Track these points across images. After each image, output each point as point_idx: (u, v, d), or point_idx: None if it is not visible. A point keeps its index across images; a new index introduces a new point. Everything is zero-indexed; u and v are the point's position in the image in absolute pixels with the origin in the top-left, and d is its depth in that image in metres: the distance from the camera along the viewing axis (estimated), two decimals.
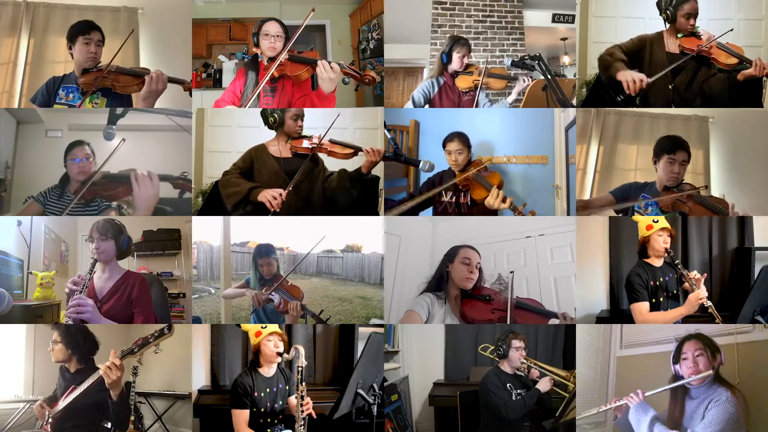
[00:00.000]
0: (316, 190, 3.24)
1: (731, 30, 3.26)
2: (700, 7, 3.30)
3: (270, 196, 3.04)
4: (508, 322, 2.84)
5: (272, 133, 3.32)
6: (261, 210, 3.09)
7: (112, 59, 3.23)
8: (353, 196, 3.21)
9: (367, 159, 3.15)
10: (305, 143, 3.23)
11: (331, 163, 3.32)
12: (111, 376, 2.62)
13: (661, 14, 3.32)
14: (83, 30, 3.27)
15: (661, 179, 3.19)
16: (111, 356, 2.65)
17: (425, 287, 2.99)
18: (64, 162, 3.14)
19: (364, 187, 3.26)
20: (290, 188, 3.09)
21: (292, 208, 3.17)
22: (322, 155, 3.28)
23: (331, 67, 3.18)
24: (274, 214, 3.06)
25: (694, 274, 2.88)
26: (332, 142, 3.24)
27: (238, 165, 3.22)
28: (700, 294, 2.79)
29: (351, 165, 3.26)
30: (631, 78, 3.19)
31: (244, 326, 2.99)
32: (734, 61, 3.22)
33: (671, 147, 3.14)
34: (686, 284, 2.93)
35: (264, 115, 3.27)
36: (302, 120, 3.28)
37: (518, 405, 3.03)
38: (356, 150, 3.22)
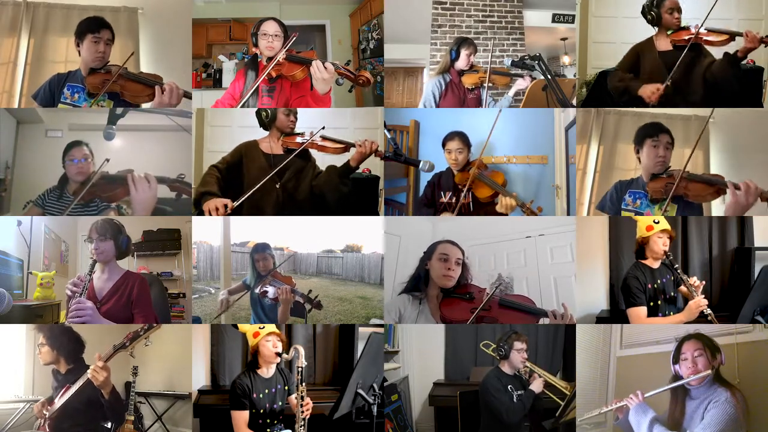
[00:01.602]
0: (303, 187, 3.18)
1: None
2: (699, 8, 3.30)
3: (213, 206, 2.92)
4: (468, 322, 2.68)
5: None
6: (259, 210, 3.07)
7: (121, 67, 3.20)
8: (342, 192, 3.11)
9: (357, 151, 3.05)
10: (297, 140, 3.18)
11: (325, 160, 3.27)
12: (98, 378, 2.70)
13: (646, 19, 3.33)
14: (93, 28, 3.18)
15: (648, 167, 3.11)
16: (96, 359, 2.71)
17: (402, 288, 2.89)
18: (63, 162, 3.14)
19: (358, 184, 3.21)
20: (278, 185, 3.08)
21: (279, 205, 3.14)
22: (314, 152, 3.24)
23: (325, 68, 3.11)
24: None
25: (694, 280, 2.84)
26: (324, 138, 3.17)
27: (226, 159, 3.19)
28: (700, 302, 2.76)
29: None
30: (648, 92, 3.24)
31: (242, 327, 2.97)
32: (725, 37, 3.21)
33: (653, 131, 3.08)
34: (683, 288, 2.91)
35: (258, 114, 3.25)
36: (295, 116, 3.23)
37: (518, 408, 3.02)
38: (348, 145, 3.13)
